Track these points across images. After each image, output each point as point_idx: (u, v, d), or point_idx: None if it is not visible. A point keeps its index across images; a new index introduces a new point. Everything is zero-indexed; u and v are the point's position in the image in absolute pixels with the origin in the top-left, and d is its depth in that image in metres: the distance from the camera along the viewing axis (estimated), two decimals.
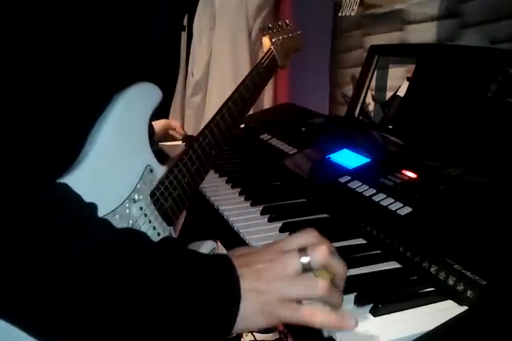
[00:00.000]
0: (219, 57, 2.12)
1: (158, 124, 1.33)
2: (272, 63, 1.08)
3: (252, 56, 2.09)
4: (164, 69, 0.80)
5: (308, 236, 0.58)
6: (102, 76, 0.61)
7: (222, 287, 0.53)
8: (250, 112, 1.95)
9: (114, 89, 0.64)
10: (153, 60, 0.70)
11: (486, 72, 0.98)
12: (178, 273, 0.52)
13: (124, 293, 0.50)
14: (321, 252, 0.55)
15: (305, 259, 0.55)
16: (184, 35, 2.18)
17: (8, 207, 0.46)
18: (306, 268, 0.55)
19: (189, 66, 2.22)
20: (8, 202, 0.46)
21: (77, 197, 0.53)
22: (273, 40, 1.12)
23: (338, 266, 0.57)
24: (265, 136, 1.26)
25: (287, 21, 1.21)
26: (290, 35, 1.18)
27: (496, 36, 1.07)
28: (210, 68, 2.14)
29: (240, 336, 1.92)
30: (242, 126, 1.37)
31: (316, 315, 0.54)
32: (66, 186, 0.53)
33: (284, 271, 0.55)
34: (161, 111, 0.74)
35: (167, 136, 1.37)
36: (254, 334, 1.91)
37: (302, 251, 0.56)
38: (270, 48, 1.10)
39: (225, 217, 0.92)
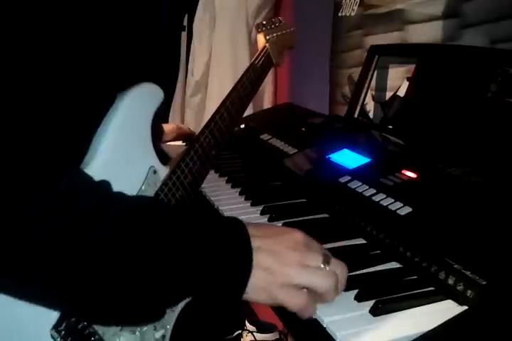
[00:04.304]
0: (219, 57, 2.12)
1: (168, 127, 1.32)
2: (267, 61, 1.07)
3: (252, 56, 2.09)
4: (164, 69, 0.80)
5: (325, 251, 0.60)
6: (105, 76, 0.61)
7: (235, 254, 0.55)
8: (250, 112, 1.95)
9: (117, 89, 0.64)
10: (154, 59, 0.70)
11: (486, 72, 0.98)
12: (195, 240, 0.54)
13: (148, 262, 0.52)
14: (342, 270, 0.59)
15: (325, 266, 0.58)
16: (184, 35, 2.18)
17: (27, 201, 0.48)
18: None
19: (189, 66, 2.22)
20: (27, 196, 0.48)
21: (89, 179, 0.55)
22: (267, 37, 1.10)
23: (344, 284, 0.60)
24: (265, 136, 1.26)
25: (280, 18, 1.19)
26: (284, 31, 1.16)
27: (496, 36, 1.07)
28: (210, 68, 2.14)
29: (239, 336, 1.93)
30: (242, 126, 1.37)
31: (309, 308, 0.57)
32: (78, 171, 0.55)
33: (301, 261, 0.57)
34: (162, 111, 0.74)
35: (177, 138, 1.36)
36: (254, 334, 1.91)
37: (327, 257, 0.58)
38: (265, 46, 1.08)
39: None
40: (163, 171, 0.74)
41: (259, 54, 1.06)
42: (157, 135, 0.75)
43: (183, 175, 0.78)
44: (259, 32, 1.11)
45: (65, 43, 0.55)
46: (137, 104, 0.66)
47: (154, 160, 0.73)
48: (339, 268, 0.59)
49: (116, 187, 0.64)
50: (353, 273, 0.69)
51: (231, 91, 0.94)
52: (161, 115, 0.73)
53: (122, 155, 0.66)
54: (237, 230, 0.57)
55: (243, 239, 0.56)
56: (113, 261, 0.51)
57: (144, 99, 0.68)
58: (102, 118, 0.63)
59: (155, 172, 0.72)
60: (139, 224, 0.53)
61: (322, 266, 0.58)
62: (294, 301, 0.56)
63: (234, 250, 0.55)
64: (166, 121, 2.17)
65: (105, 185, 0.56)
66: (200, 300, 0.58)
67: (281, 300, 0.56)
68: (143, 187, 0.70)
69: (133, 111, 0.66)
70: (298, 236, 0.59)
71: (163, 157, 0.75)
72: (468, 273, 0.61)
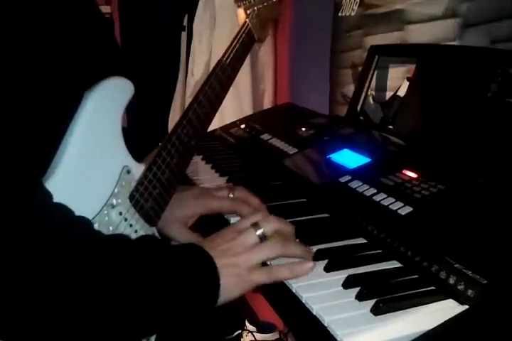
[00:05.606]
0: (219, 57, 2.12)
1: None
2: (248, 38, 0.98)
3: (252, 56, 2.09)
4: (164, 69, 0.80)
5: (254, 216, 0.72)
6: (72, 75, 0.60)
7: (203, 270, 0.63)
8: (250, 112, 1.95)
9: (84, 87, 0.62)
10: (145, 57, 0.70)
11: (486, 72, 0.98)
12: (164, 265, 0.61)
13: (132, 287, 0.58)
14: (270, 221, 0.70)
15: (259, 231, 0.68)
16: (184, 35, 2.18)
17: (34, 231, 0.53)
18: (262, 238, 0.68)
19: (189, 66, 2.22)
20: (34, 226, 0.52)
21: (73, 215, 0.58)
22: (248, 11, 1.01)
23: (286, 226, 0.72)
24: (265, 136, 1.26)
25: None
26: (265, 4, 1.06)
27: (496, 36, 1.07)
28: (210, 68, 2.14)
29: (239, 336, 1.93)
30: (243, 126, 1.37)
31: (281, 271, 0.67)
32: (63, 206, 0.57)
33: (245, 244, 0.67)
34: (161, 111, 0.73)
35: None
36: (254, 334, 1.91)
37: (255, 225, 0.69)
38: (246, 21, 1.00)
39: (225, 217, 0.92)
40: (138, 169, 0.70)
41: (240, 30, 0.98)
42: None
43: (160, 171, 0.73)
44: (239, 6, 1.02)
45: (32, 45, 0.55)
46: (104, 100, 0.62)
47: (127, 159, 0.68)
48: (270, 221, 0.70)
49: (88, 193, 0.63)
50: (354, 273, 0.69)
51: (210, 74, 0.87)
52: (157, 115, 0.72)
53: (91, 157, 0.62)
54: (194, 248, 0.66)
55: (201, 252, 0.65)
56: (100, 290, 0.56)
57: (112, 94, 0.64)
58: (70, 119, 0.60)
59: (128, 172, 0.68)
60: (121, 253, 0.59)
61: (254, 228, 0.68)
62: (270, 249, 0.67)
63: (198, 262, 0.64)
64: (166, 122, 2.17)
65: (87, 221, 0.60)
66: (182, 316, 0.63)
67: (261, 255, 0.66)
68: (116, 190, 0.65)
69: (100, 108, 0.62)
70: (223, 232, 0.70)
71: (138, 154, 0.71)
72: (469, 272, 0.62)
